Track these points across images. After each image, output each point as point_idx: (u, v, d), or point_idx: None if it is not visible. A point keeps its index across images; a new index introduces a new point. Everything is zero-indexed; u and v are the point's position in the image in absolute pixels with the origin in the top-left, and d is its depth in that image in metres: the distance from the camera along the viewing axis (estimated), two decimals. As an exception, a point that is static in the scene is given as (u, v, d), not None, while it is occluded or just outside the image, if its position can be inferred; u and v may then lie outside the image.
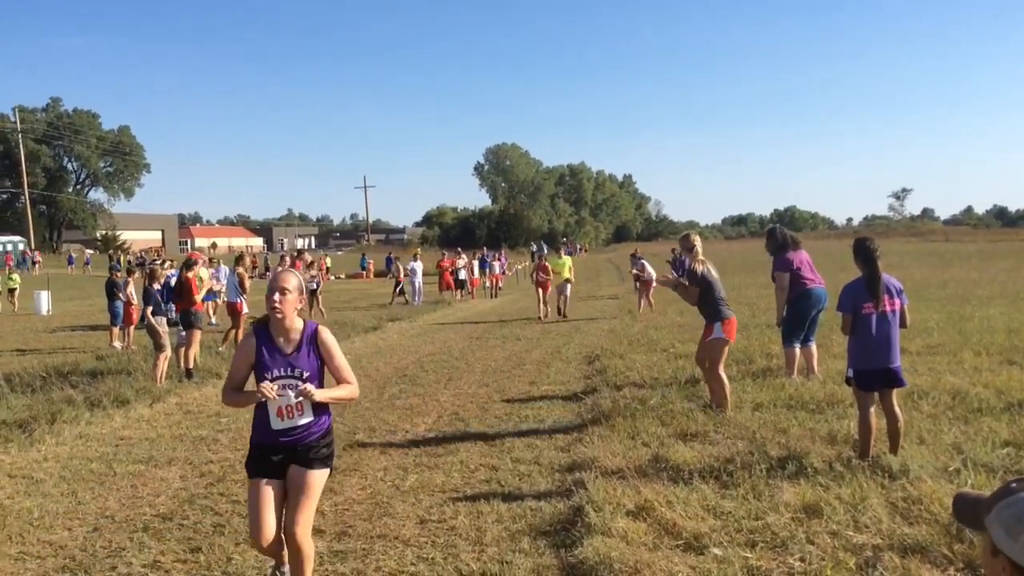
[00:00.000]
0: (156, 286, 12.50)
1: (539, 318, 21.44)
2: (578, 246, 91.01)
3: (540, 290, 21.91)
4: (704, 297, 8.62)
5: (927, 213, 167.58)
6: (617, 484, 6.21)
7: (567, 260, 22.60)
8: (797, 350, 10.13)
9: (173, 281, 14.50)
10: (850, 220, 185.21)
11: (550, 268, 22.06)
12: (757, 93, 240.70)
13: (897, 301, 6.62)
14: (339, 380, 4.50)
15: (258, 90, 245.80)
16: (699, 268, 8.64)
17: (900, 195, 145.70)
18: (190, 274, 13.30)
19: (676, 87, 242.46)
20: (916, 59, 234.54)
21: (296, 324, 4.40)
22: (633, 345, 14.35)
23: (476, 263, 33.49)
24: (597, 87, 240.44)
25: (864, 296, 6.51)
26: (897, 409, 6.61)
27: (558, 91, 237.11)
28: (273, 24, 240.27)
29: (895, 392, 6.63)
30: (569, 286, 22.29)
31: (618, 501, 5.84)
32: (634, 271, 23.83)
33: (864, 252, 6.60)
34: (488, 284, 34.47)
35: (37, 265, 59.51)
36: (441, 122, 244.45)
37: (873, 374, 6.49)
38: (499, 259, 35.71)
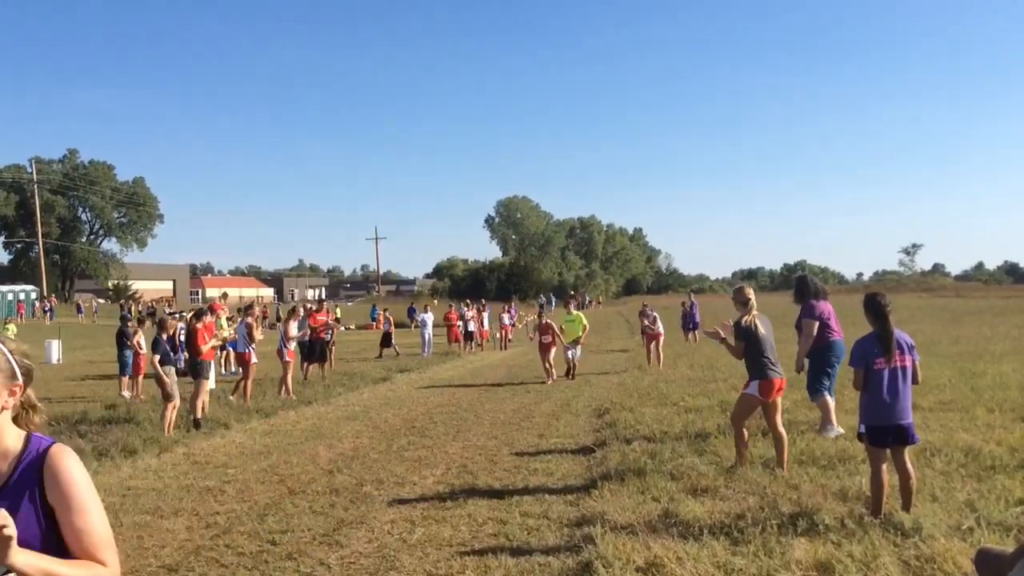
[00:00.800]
0: (164, 336, 12.55)
1: (545, 381, 18.83)
2: (587, 299, 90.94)
3: (543, 354, 19.21)
4: (748, 352, 8.44)
5: (938, 268, 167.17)
6: (627, 540, 6.14)
7: (578, 316, 19.97)
8: (830, 398, 10.12)
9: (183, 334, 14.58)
10: (860, 275, 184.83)
11: (555, 328, 19.47)
12: (767, 148, 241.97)
13: (909, 357, 6.59)
14: (78, 550, 2.32)
15: (270, 142, 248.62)
16: (748, 322, 8.47)
17: (911, 250, 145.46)
18: (199, 324, 13.35)
19: (687, 142, 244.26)
20: (926, 113, 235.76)
21: (6, 439, 2.43)
22: (643, 399, 14.28)
23: (485, 315, 33.51)
24: (608, 141, 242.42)
25: (876, 351, 6.49)
26: (909, 466, 6.55)
27: (568, 144, 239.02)
28: (283, 76, 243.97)
29: (907, 449, 6.57)
30: (580, 348, 19.78)
31: (628, 557, 5.78)
32: (646, 323, 22.00)
33: (875, 307, 6.60)
34: (498, 336, 34.44)
35: (50, 313, 59.74)
36: (452, 175, 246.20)
37: (885, 430, 6.44)
38: (509, 311, 35.69)
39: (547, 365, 18.95)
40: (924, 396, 12.09)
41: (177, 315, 21.51)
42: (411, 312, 45.64)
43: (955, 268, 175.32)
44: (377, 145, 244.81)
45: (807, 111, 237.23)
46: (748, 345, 8.39)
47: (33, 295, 68.14)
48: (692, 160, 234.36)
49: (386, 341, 29.41)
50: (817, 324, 10.02)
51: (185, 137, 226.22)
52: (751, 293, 8.71)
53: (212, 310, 13.77)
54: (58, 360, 28.78)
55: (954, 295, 79.79)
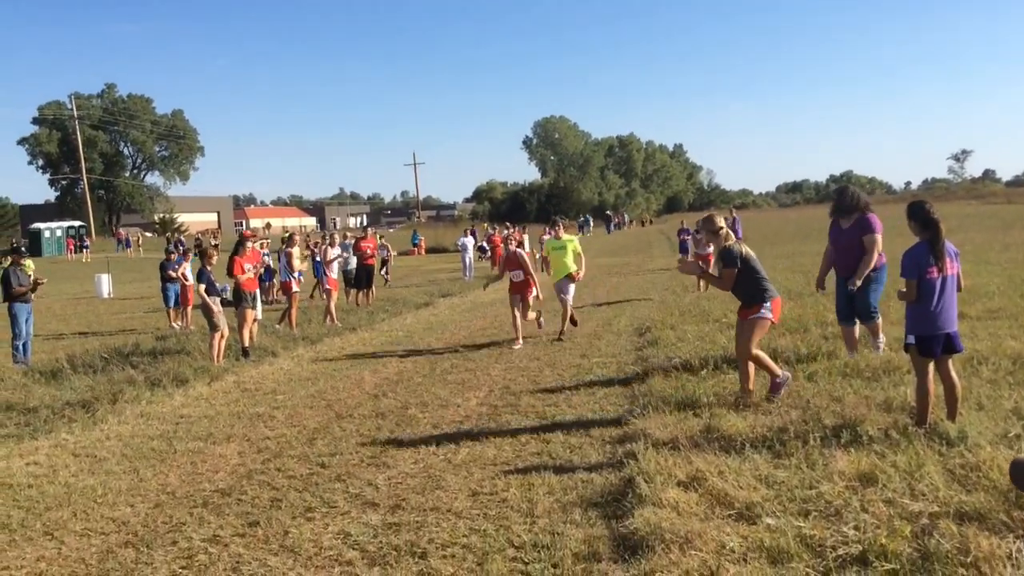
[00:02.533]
0: (208, 266, 12.72)
1: (514, 343, 13.14)
2: (627, 218, 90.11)
3: (516, 297, 13.26)
4: (748, 279, 7.87)
5: (988, 175, 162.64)
6: (668, 455, 6.18)
7: (570, 243, 13.88)
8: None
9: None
10: (908, 184, 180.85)
11: (525, 260, 13.38)
12: (809, 56, 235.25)
13: (956, 265, 6.47)
14: None
15: (308, 70, 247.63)
16: (739, 248, 7.91)
17: (960, 157, 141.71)
18: (236, 255, 13.49)
19: (727, 53, 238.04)
20: (973, 16, 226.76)
21: None
22: (685, 316, 14.23)
23: (526, 237, 33.44)
24: (646, 56, 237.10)
25: (928, 260, 6.36)
26: (954, 375, 6.48)
27: (607, 61, 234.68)
28: (321, 4, 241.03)
29: (953, 357, 6.49)
30: (572, 286, 13.71)
31: (669, 472, 5.82)
32: (690, 242, 20.81)
33: (923, 215, 6.43)
34: (539, 257, 34.43)
35: (86, 249, 60.77)
36: (489, 97, 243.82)
37: (934, 339, 6.35)
38: (550, 233, 35.64)
39: (514, 316, 13.14)
40: (972, 305, 11.89)
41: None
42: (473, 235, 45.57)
43: (1006, 174, 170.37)
44: (415, 70, 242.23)
45: (849, 16, 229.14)
46: (746, 271, 7.85)
47: (82, 230, 69.33)
48: (732, 73, 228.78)
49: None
50: (880, 240, 9.11)
51: (221, 68, 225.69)
52: (722, 221, 8.11)
53: (243, 240, 13.86)
54: (109, 294, 29.40)
55: (1005, 201, 77.70)
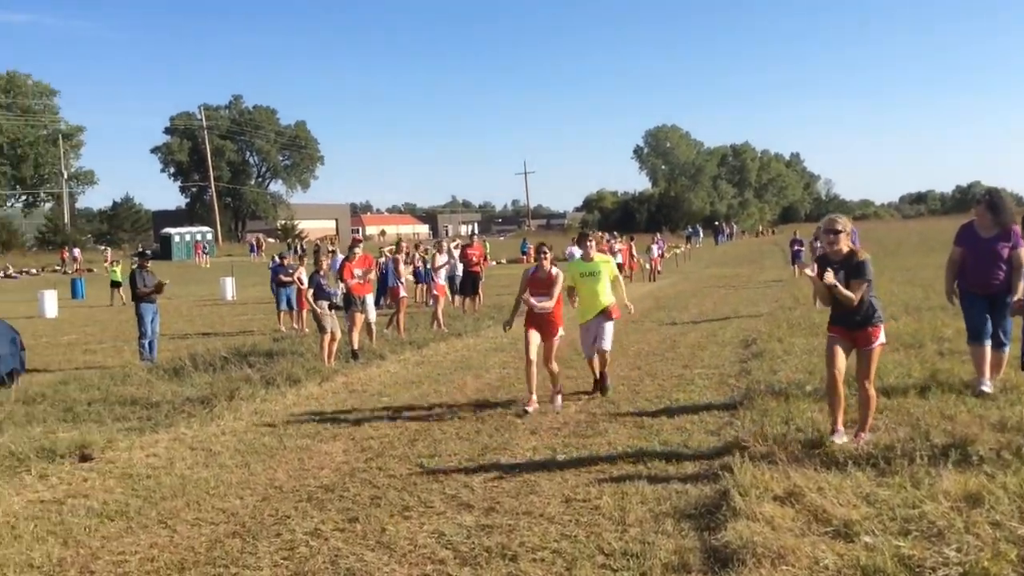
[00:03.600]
0: (320, 270, 13.18)
1: (525, 407, 9.18)
2: (735, 228, 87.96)
3: (535, 335, 9.35)
4: (868, 295, 6.90)
5: None
6: (766, 469, 6.08)
7: (604, 264, 9.88)
8: None
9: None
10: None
11: (552, 282, 9.36)
12: (935, 61, 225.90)
13: None
14: None
15: (423, 81, 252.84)
16: (866, 257, 6.92)
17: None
18: (347, 261, 13.95)
19: (848, 59, 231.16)
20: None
21: None
22: (793, 329, 13.92)
23: (633, 247, 33.26)
24: (761, 63, 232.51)
25: None
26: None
27: (720, 69, 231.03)
28: (436, 16, 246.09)
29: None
30: (611, 327, 9.80)
31: (766, 486, 5.73)
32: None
33: None
34: (648, 268, 34.20)
35: (207, 257, 63.35)
36: (600, 106, 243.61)
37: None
38: (657, 242, 35.33)
39: (529, 361, 9.23)
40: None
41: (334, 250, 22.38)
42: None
43: None
44: (526, 80, 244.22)
45: (976, 21, 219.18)
46: (869, 285, 6.88)
47: (209, 236, 72.51)
48: (853, 80, 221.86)
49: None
50: None
51: (341, 79, 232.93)
52: (847, 223, 7.10)
53: (353, 245, 14.33)
54: (232, 297, 30.72)
55: None
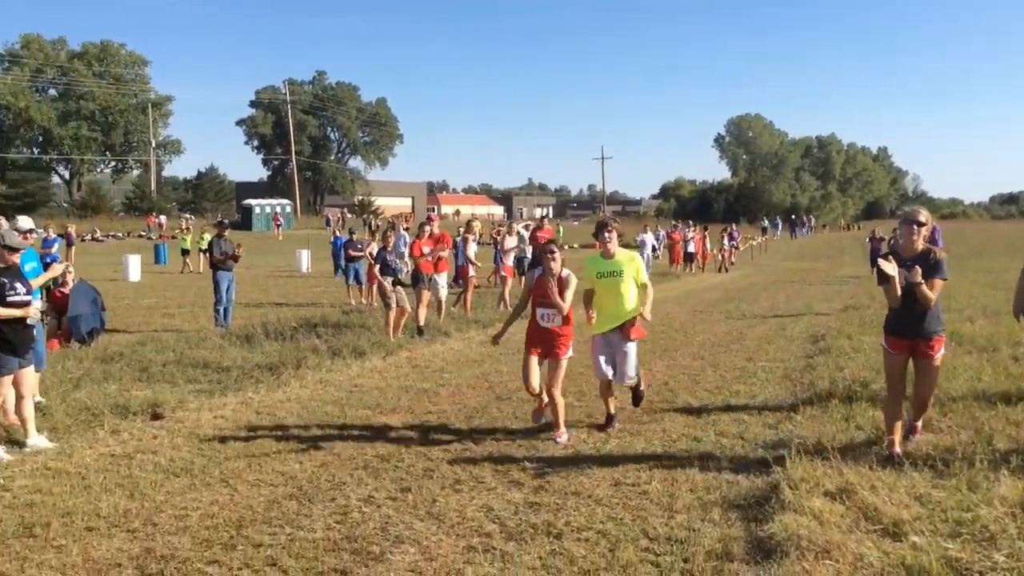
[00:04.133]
0: (386, 247, 13.42)
1: (537, 413, 7.99)
2: (812, 221, 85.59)
3: (537, 352, 7.59)
4: (937, 300, 6.43)
5: None
6: (820, 465, 6.02)
7: (628, 264, 7.55)
8: None
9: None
10: None
11: (558, 290, 7.43)
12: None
13: None
14: None
15: (502, 63, 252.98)
16: (943, 256, 6.48)
17: None
18: (417, 238, 14.16)
19: (939, 52, 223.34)
20: None
21: None
22: (865, 326, 13.63)
23: (708, 237, 32.86)
24: (850, 55, 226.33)
25: None
26: None
27: (808, 60, 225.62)
28: (515, 2, 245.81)
29: None
30: (634, 347, 7.66)
31: (817, 481, 5.69)
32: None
33: None
34: (720, 258, 33.78)
35: (280, 229, 64.37)
36: (681, 93, 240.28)
37: None
38: (731, 233, 34.83)
39: (528, 374, 7.53)
40: None
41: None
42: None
43: None
44: (607, 65, 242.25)
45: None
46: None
47: (288, 208, 73.95)
48: (945, 74, 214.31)
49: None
50: None
51: (422, 59, 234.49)
52: (929, 217, 6.60)
53: (424, 223, 14.54)
54: (307, 269, 31.37)
55: None
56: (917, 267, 6.18)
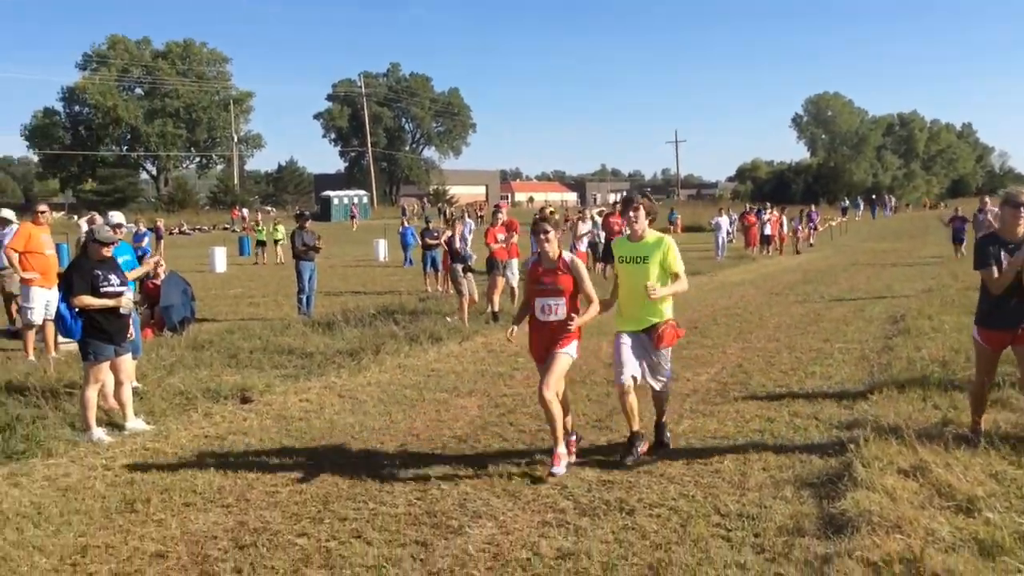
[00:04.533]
0: (456, 235, 13.71)
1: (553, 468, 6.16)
2: (893, 201, 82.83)
3: (539, 358, 6.41)
4: None
5: None
6: (894, 443, 6.03)
7: (657, 248, 6.25)
8: None
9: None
10: None
11: (587, 280, 6.27)
12: None
13: None
14: None
15: (574, 50, 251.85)
16: None
17: None
18: (491, 226, 14.38)
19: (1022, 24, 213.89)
20: None
21: None
22: (946, 307, 13.37)
23: (785, 219, 32.33)
24: (931, 29, 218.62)
25: None
26: None
27: (886, 35, 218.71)
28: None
29: None
30: (668, 352, 6.41)
31: (891, 459, 5.72)
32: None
33: None
34: (796, 240, 33.21)
35: (354, 220, 65.24)
36: (756, 74, 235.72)
37: None
38: (809, 214, 34.23)
39: (545, 399, 6.10)
40: None
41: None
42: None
43: None
44: (680, 48, 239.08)
45: None
46: None
47: (365, 199, 75.16)
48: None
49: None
50: None
51: (492, 47, 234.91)
52: None
53: (497, 211, 14.75)
54: (385, 258, 31.97)
55: None
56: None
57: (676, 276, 6.22)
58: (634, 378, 6.17)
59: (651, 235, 6.34)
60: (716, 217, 29.81)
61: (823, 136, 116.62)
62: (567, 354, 6.17)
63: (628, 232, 6.45)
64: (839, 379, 8.91)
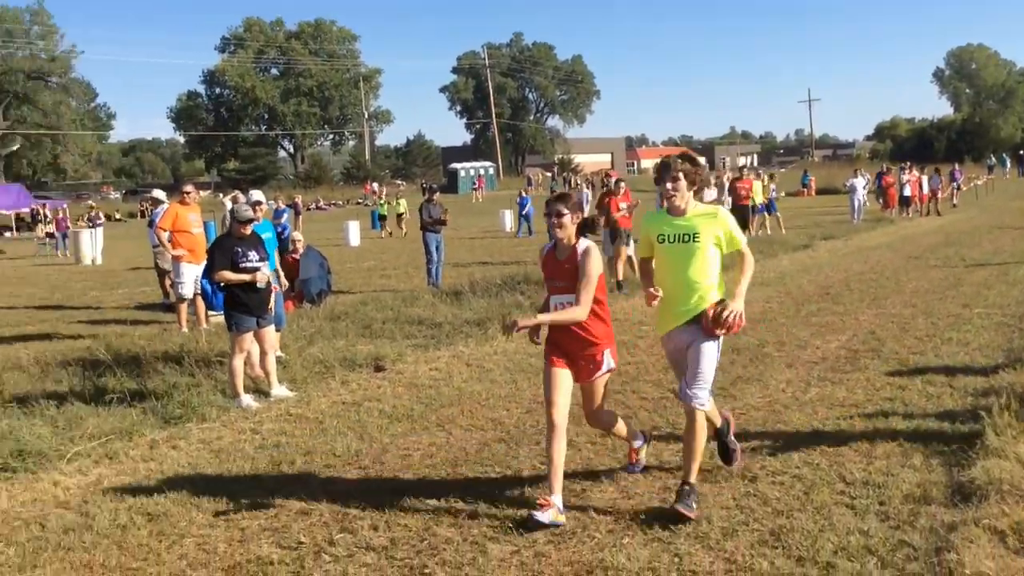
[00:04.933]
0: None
1: (534, 513, 4.81)
2: None
3: (559, 368, 5.22)
4: None
5: None
6: (1032, 411, 5.83)
7: (708, 221, 5.01)
8: None
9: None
10: None
11: (574, 270, 5.08)
12: None
13: None
14: None
15: (699, 11, 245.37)
16: None
17: None
18: (612, 195, 14.38)
19: None
20: None
21: None
22: (1101, 269, 12.60)
23: (925, 179, 30.84)
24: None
25: None
26: None
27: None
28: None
29: None
30: (714, 346, 5.18)
31: (1025, 427, 5.53)
32: None
33: None
34: (934, 200, 31.67)
35: (478, 192, 65.69)
36: (892, 27, 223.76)
37: None
38: (952, 173, 32.54)
39: (554, 409, 5.13)
40: None
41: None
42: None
43: None
44: (811, 2, 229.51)
45: None
46: None
47: (491, 170, 75.95)
48: None
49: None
50: None
51: (618, 12, 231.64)
52: None
53: (619, 180, 14.76)
54: (511, 229, 32.37)
55: None
56: None
57: (740, 253, 5.14)
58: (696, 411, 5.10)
59: (698, 207, 5.10)
60: (851, 179, 28.71)
61: (967, 90, 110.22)
62: (602, 376, 5.26)
63: (668, 204, 5.11)
64: (977, 345, 8.60)
